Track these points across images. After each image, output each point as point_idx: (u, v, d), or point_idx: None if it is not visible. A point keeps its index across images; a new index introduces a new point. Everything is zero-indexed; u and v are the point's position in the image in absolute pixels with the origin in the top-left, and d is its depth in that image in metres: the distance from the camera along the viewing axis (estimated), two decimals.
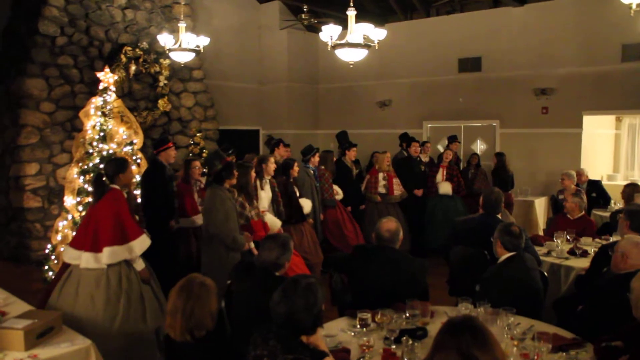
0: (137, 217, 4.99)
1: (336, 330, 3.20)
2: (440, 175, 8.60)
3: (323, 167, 7.65)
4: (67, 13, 8.64)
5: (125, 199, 4.40)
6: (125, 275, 4.18)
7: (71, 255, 4.20)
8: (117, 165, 4.38)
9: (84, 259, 4.10)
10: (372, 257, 3.79)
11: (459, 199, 8.55)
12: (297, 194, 6.60)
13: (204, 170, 7.22)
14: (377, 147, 9.66)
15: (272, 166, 6.16)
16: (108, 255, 4.08)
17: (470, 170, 9.35)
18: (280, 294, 2.50)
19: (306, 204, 6.65)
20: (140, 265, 4.29)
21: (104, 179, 4.31)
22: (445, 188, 8.45)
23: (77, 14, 8.78)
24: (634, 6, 4.21)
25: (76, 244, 4.24)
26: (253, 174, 5.69)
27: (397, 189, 8.04)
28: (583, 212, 6.05)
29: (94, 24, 8.99)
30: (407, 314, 3.24)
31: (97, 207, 4.20)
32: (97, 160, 6.24)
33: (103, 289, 4.06)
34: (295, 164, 6.67)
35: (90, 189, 5.65)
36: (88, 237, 4.12)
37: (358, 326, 3.15)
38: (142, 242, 4.25)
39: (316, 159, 7.47)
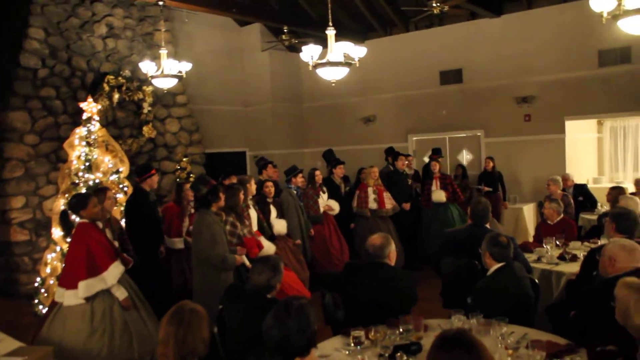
0: (116, 244, 4.97)
1: (330, 350, 3.19)
2: (435, 186, 8.63)
3: (310, 185, 7.68)
4: (47, 45, 8.65)
5: (94, 230, 4.44)
6: (108, 306, 4.23)
7: (58, 294, 4.33)
8: (77, 201, 4.48)
9: (66, 297, 4.22)
10: (361, 274, 3.79)
11: (455, 207, 8.57)
12: (274, 214, 6.65)
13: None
14: (365, 162, 9.71)
15: (253, 187, 6.19)
16: (83, 289, 4.17)
17: (456, 181, 9.41)
18: (273, 317, 2.49)
19: (279, 224, 6.66)
20: (122, 294, 4.32)
21: (69, 214, 4.38)
22: (438, 196, 8.46)
23: (58, 45, 8.79)
24: (605, 14, 4.31)
25: (61, 282, 4.37)
26: (242, 195, 5.70)
27: (389, 203, 8.07)
28: (562, 216, 6.14)
29: (76, 55, 9.00)
30: (401, 330, 3.24)
31: (69, 244, 4.28)
32: (83, 190, 6.21)
33: (87, 322, 4.14)
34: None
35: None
36: (67, 275, 4.22)
37: (352, 344, 3.14)
38: (115, 269, 4.31)
39: (299, 178, 7.50)
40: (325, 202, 7.69)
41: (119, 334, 4.21)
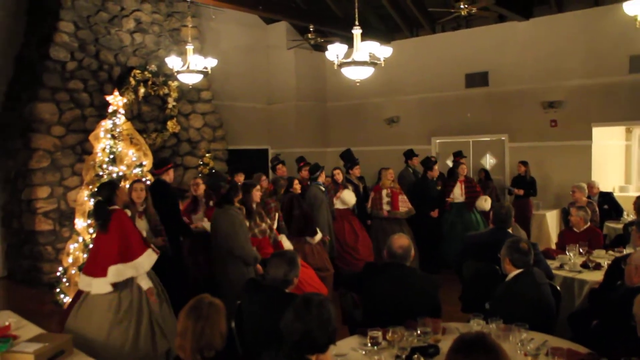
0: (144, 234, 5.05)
1: (347, 349, 3.17)
2: (459, 189, 8.52)
3: (333, 184, 7.72)
4: (77, 38, 8.79)
5: (127, 217, 4.48)
6: (137, 299, 4.21)
7: (84, 282, 4.27)
8: (109, 187, 4.48)
9: (95, 286, 4.16)
10: (383, 274, 3.76)
11: (477, 211, 8.48)
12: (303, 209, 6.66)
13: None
14: (387, 164, 9.62)
15: (257, 194, 5.87)
16: (113, 273, 4.14)
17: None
18: (294, 312, 2.48)
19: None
20: (146, 283, 4.33)
21: (105, 204, 4.38)
22: (482, 204, 8.30)
23: (87, 39, 8.92)
24: (639, 18, 4.22)
25: (87, 270, 4.31)
26: (256, 192, 5.72)
27: (403, 206, 7.98)
28: (589, 224, 6.01)
29: (103, 49, 9.13)
30: (419, 332, 3.20)
31: (103, 233, 4.25)
32: None
33: (113, 313, 4.10)
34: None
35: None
36: (97, 264, 4.19)
37: (369, 344, 3.12)
38: (147, 258, 4.31)
39: (324, 177, 7.53)
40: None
41: (145, 329, 4.19)
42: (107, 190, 4.42)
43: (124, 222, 4.31)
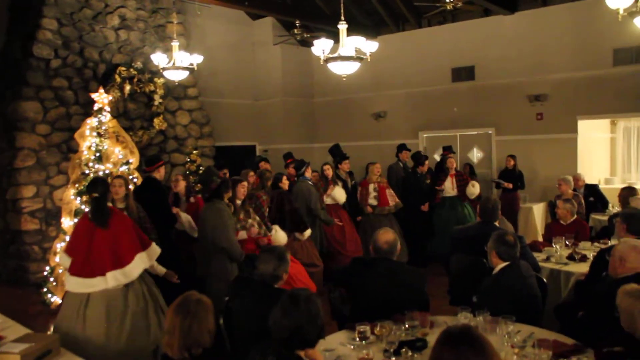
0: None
1: (335, 344, 3.18)
2: (450, 183, 8.51)
3: (322, 180, 7.73)
4: (60, 35, 8.70)
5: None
6: (134, 293, 4.18)
7: (89, 284, 4.07)
8: (104, 183, 4.43)
9: (111, 278, 4.04)
10: (370, 269, 3.77)
11: (468, 204, 8.51)
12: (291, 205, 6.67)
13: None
14: (374, 158, 9.62)
15: (242, 190, 5.88)
16: (140, 261, 4.14)
17: None
18: (282, 309, 2.49)
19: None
20: (161, 269, 4.45)
21: (104, 200, 4.32)
22: (472, 190, 8.41)
23: (71, 36, 8.83)
24: (621, 11, 4.25)
25: (90, 272, 4.09)
26: (241, 188, 5.73)
27: (391, 200, 8.01)
28: (575, 217, 6.05)
29: (88, 46, 9.04)
30: (406, 325, 3.22)
31: (111, 228, 4.16)
32: None
33: (114, 309, 4.06)
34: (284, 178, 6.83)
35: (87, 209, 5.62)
36: (105, 259, 4.06)
37: (357, 339, 3.12)
38: (156, 247, 4.38)
39: (311, 172, 7.54)
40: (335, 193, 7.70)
41: (140, 324, 4.13)
42: (103, 187, 4.36)
43: (126, 217, 4.37)
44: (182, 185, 6.87)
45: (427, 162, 8.75)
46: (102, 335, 3.99)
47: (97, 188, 4.29)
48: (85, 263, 4.09)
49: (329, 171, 7.83)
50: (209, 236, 5.25)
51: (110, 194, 4.49)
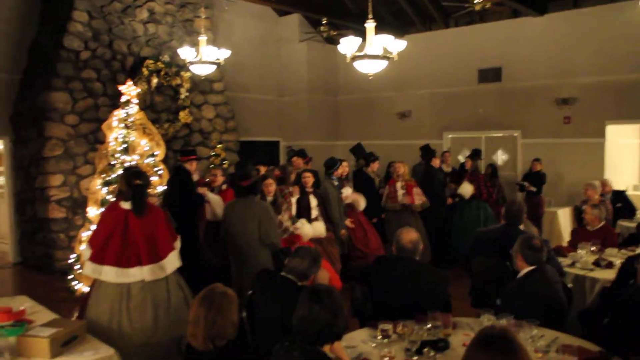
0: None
1: (357, 342, 3.18)
2: (469, 186, 8.50)
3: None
4: (90, 28, 8.83)
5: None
6: (174, 283, 4.21)
7: (128, 274, 4.04)
8: (147, 175, 4.43)
9: (149, 272, 4.03)
10: (393, 268, 3.76)
11: (485, 205, 8.45)
12: (315, 203, 6.67)
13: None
14: (397, 158, 9.56)
15: (269, 188, 5.94)
16: (174, 259, 4.17)
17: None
18: (307, 306, 2.49)
19: (319, 226, 6.71)
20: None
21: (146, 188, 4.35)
22: (464, 189, 8.41)
23: (101, 28, 8.96)
24: None
25: (126, 262, 4.07)
26: (269, 186, 5.79)
27: (418, 199, 7.96)
28: (603, 223, 5.93)
29: (117, 38, 9.17)
30: (429, 325, 3.21)
31: (150, 220, 4.13)
32: (119, 171, 6.33)
33: (160, 299, 4.06)
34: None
35: (113, 199, 5.67)
36: (141, 249, 4.04)
37: (379, 337, 3.12)
38: (179, 242, 4.39)
39: (340, 170, 7.53)
40: (350, 195, 7.69)
41: (164, 316, 4.13)
42: (147, 177, 4.38)
43: (159, 209, 4.42)
44: (220, 181, 6.96)
45: (436, 158, 8.61)
46: (149, 329, 3.98)
47: (143, 177, 4.24)
48: (121, 253, 4.03)
49: (344, 169, 7.84)
50: (251, 231, 5.09)
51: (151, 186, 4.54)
